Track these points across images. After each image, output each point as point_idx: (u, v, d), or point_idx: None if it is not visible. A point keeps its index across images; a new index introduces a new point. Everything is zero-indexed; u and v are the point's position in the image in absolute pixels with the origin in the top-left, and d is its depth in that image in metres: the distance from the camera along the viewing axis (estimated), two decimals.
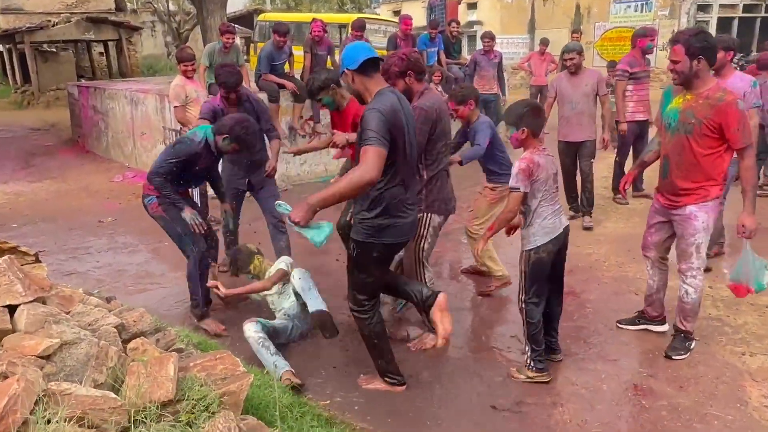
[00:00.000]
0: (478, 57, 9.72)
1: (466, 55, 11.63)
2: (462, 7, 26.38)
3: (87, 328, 2.17)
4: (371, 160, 2.75)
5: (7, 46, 22.26)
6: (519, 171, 3.24)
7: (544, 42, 12.16)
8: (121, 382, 1.98)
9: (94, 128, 11.13)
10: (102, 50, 23.52)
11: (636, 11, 21.15)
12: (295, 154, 5.11)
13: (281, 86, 7.85)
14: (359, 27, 8.67)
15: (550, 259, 3.38)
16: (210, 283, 4.12)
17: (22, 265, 2.70)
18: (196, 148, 3.94)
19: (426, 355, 3.81)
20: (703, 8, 20.84)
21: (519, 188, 3.24)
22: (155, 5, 27.55)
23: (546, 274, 3.43)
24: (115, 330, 2.22)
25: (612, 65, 10.20)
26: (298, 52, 9.01)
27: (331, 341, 3.82)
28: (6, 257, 2.18)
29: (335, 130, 4.35)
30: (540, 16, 24.42)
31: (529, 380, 3.43)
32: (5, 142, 12.77)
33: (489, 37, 9.64)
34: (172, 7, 26.96)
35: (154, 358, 2.10)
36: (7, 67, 23.49)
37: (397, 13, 29.83)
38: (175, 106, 6.28)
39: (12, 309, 2.10)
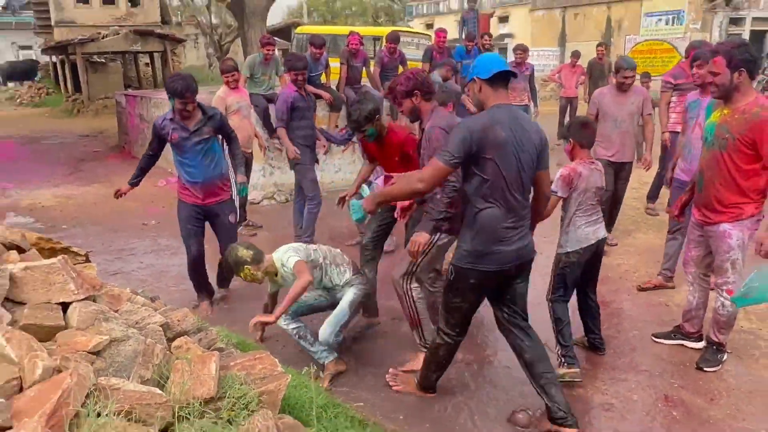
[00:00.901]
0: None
1: None
2: (494, 20, 26.30)
3: (134, 326, 2.20)
4: (428, 173, 2.80)
5: (60, 57, 22.96)
6: (560, 177, 3.43)
7: (576, 55, 12.02)
8: (165, 379, 2.00)
9: (139, 135, 11.37)
10: (148, 61, 24.09)
11: (667, 24, 20.79)
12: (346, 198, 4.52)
13: (318, 96, 7.90)
14: (394, 39, 8.71)
15: (580, 265, 3.49)
16: (254, 321, 3.57)
17: (74, 264, 2.77)
18: (157, 122, 4.44)
19: (455, 362, 3.78)
20: (736, 22, 20.38)
21: (557, 192, 3.42)
22: (198, 18, 28.14)
23: (574, 278, 3.53)
24: (160, 328, 2.25)
25: (646, 76, 10.01)
26: (334, 63, 9.08)
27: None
28: (60, 257, 2.23)
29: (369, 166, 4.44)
30: (570, 29, 24.19)
31: (561, 380, 3.32)
32: (57, 148, 13.15)
33: (522, 49, 9.56)
34: (214, 21, 27.47)
35: (196, 356, 2.13)
36: (60, 77, 24.21)
37: (429, 26, 29.90)
38: None
39: (65, 306, 2.15)
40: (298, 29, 19.86)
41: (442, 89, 5.53)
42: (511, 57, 10.52)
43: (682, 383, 3.51)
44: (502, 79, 2.85)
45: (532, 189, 2.98)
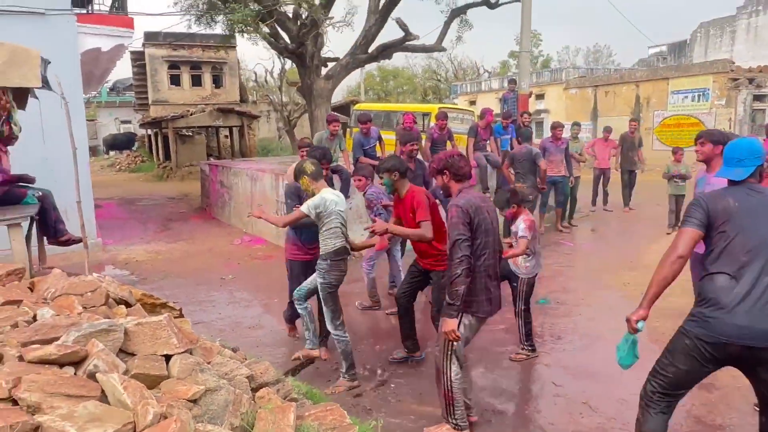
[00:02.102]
0: (547, 144, 9.67)
1: (535, 141, 11.66)
2: (531, 97, 26.56)
3: (224, 377, 2.30)
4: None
5: (154, 130, 24.44)
6: (526, 227, 4.40)
7: (608, 129, 12.01)
8: (251, 427, 2.08)
9: (219, 199, 11.88)
10: (227, 133, 25.31)
11: (693, 101, 20.53)
12: (354, 250, 4.66)
13: (374, 167, 8.14)
14: (443, 116, 8.93)
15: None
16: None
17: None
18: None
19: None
20: (760, 98, 19.95)
21: (527, 237, 4.36)
22: (271, 97, 29.52)
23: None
24: (246, 380, 2.35)
25: (677, 150, 9.85)
26: (388, 135, 9.36)
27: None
28: (166, 315, 2.37)
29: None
30: (602, 105, 24.17)
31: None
32: (149, 209, 13.84)
33: (559, 127, 9.62)
34: (284, 99, 28.74)
35: (277, 406, 2.20)
36: (153, 147, 25.68)
37: (473, 102, 30.42)
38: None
39: (167, 357, 2.27)
40: (356, 106, 20.59)
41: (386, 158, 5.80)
42: (547, 131, 10.60)
43: None
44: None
45: None
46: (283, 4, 11.28)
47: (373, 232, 4.17)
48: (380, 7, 12.34)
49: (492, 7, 13.53)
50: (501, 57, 58.05)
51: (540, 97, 27.69)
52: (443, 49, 14.33)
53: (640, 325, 2.75)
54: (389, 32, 13.02)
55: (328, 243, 4.10)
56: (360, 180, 5.43)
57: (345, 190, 7.40)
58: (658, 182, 9.97)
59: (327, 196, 4.08)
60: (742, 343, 2.43)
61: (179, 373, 2.20)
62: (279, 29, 12.17)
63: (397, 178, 4.27)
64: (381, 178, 4.43)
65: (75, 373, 2.02)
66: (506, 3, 13.62)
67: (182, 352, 2.29)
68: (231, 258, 8.48)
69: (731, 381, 3.93)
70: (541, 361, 4.62)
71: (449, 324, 3.10)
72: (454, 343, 3.20)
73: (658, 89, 21.79)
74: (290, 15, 12.07)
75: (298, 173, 4.19)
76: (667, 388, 2.70)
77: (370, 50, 12.78)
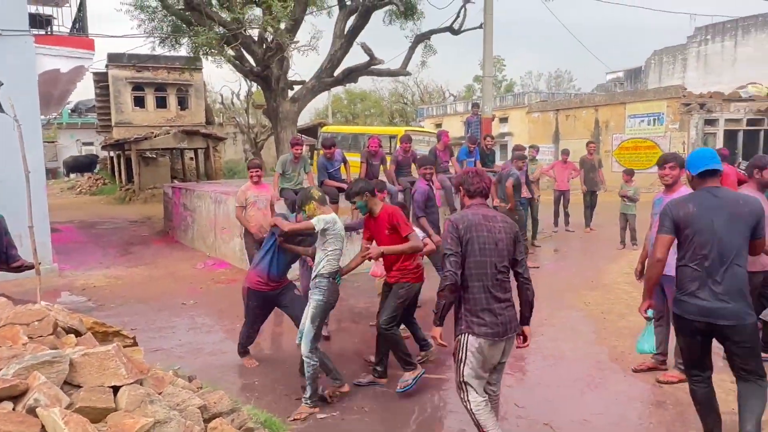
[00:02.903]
0: (511, 168, 9.86)
1: (499, 163, 11.89)
2: (495, 121, 27.11)
3: (175, 408, 2.23)
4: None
5: (117, 152, 23.95)
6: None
7: (566, 152, 12.38)
8: None
9: (182, 222, 11.66)
10: (192, 156, 24.98)
11: (649, 125, 21.30)
12: (342, 274, 4.63)
13: (340, 189, 8.15)
14: (407, 140, 9.03)
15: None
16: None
17: (123, 347, 2.82)
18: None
19: None
20: (710, 122, 20.83)
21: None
22: (237, 119, 29.36)
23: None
24: (198, 411, 2.27)
25: (629, 172, 10.24)
26: (353, 158, 9.41)
27: None
28: (115, 345, 2.29)
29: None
30: (563, 128, 24.83)
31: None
32: (110, 232, 13.48)
33: (521, 158, 9.85)
34: (251, 121, 28.62)
35: None
36: (116, 169, 25.13)
37: (439, 125, 30.85)
38: (236, 206, 6.89)
39: (116, 389, 2.19)
40: (324, 128, 20.64)
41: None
42: (511, 154, 10.80)
43: None
44: (710, 174, 3.21)
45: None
46: (248, 27, 11.29)
47: (369, 258, 4.37)
48: (345, 32, 12.48)
49: (455, 33, 13.84)
50: (466, 81, 59.16)
51: (504, 120, 28.31)
52: (408, 74, 14.54)
53: (649, 312, 3.49)
54: (355, 56, 13.17)
55: (331, 263, 4.16)
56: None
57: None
58: (619, 203, 10.26)
59: (337, 218, 4.24)
60: (704, 320, 3.12)
61: (128, 405, 2.12)
62: (244, 52, 12.16)
63: (369, 198, 4.37)
64: (353, 203, 4.50)
65: (14, 408, 1.92)
66: (469, 29, 13.94)
67: (131, 383, 2.22)
68: (193, 282, 8.30)
69: (686, 398, 3.99)
70: (504, 383, 4.63)
71: (434, 331, 3.17)
72: (464, 372, 3.07)
73: (615, 113, 22.54)
74: (255, 38, 12.09)
75: (306, 199, 4.30)
76: (689, 363, 3.38)
77: (335, 74, 12.87)
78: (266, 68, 11.79)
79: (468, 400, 3.10)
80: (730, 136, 21.04)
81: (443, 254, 3.06)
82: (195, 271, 9.08)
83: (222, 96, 32.27)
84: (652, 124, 21.17)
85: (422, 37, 13.72)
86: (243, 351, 5.08)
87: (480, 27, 13.26)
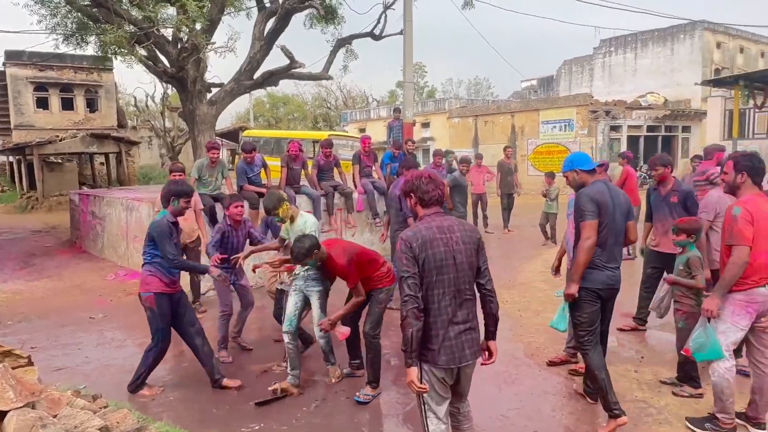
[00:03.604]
0: (430, 170, 10.07)
1: (421, 167, 12.09)
2: (417, 126, 27.60)
3: (73, 430, 2.07)
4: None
5: (18, 157, 22.18)
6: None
7: (479, 156, 12.88)
8: None
9: (91, 231, 10.97)
10: (103, 160, 23.61)
11: (561, 131, 22.46)
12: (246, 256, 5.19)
13: (261, 194, 7.97)
14: (328, 145, 8.99)
15: None
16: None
17: (15, 368, 2.59)
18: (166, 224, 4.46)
19: None
20: (615, 128, 22.28)
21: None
22: (152, 122, 28.08)
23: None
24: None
25: (550, 175, 10.73)
26: (276, 162, 9.27)
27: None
28: (1, 365, 2.09)
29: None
30: (482, 133, 25.68)
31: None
32: (8, 243, 12.44)
33: (440, 155, 10.09)
34: (167, 125, 27.46)
35: None
36: (16, 175, 23.28)
37: (362, 130, 31.00)
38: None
39: (3, 414, 2.00)
40: (245, 132, 20.21)
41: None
42: (431, 158, 11.03)
43: None
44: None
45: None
46: (162, 27, 10.80)
47: (325, 332, 4.45)
48: (265, 35, 12.24)
49: (376, 38, 13.94)
50: (390, 86, 59.99)
51: (426, 125, 28.89)
52: (330, 78, 14.47)
53: (558, 293, 4.01)
54: (276, 59, 12.94)
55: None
56: (237, 207, 5.36)
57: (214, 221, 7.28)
58: (535, 205, 10.75)
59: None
60: (612, 287, 3.84)
61: (16, 430, 1.94)
62: (157, 52, 11.61)
63: (318, 253, 4.24)
64: (305, 265, 4.34)
65: None
66: (390, 35, 14.09)
67: (21, 407, 2.03)
68: (103, 294, 7.81)
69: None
70: None
71: (408, 374, 2.73)
72: (427, 401, 2.80)
73: (530, 119, 23.60)
74: (169, 38, 11.59)
75: (278, 201, 4.51)
76: (591, 332, 3.82)
77: (255, 76, 12.57)
78: (181, 69, 11.32)
79: (427, 426, 2.83)
80: (632, 141, 22.62)
81: (400, 277, 2.73)
82: (105, 282, 8.56)
83: (135, 98, 30.81)
84: (564, 130, 22.35)
85: (343, 42, 13.71)
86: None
87: (400, 33, 13.44)
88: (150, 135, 28.47)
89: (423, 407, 2.83)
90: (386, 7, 13.80)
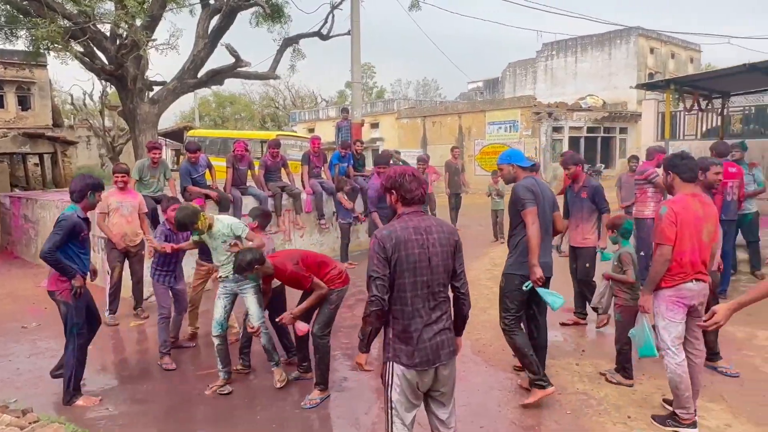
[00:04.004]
0: (412, 168, 10.12)
1: (369, 168, 12.11)
2: (366, 126, 27.62)
3: None
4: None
5: None
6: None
7: (425, 157, 13.00)
8: None
9: (23, 236, 10.40)
10: (37, 161, 22.43)
11: (506, 131, 23.00)
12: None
13: (207, 196, 7.78)
14: (275, 145, 8.87)
15: None
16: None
17: None
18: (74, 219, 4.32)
19: None
20: (557, 129, 23.00)
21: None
22: (91, 121, 26.91)
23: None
24: None
25: (496, 174, 10.94)
26: (221, 163, 9.07)
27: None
28: None
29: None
30: (430, 134, 25.98)
31: None
32: None
33: (389, 154, 10.14)
34: (107, 124, 26.39)
35: None
36: None
37: (311, 130, 30.77)
38: (98, 213, 6.32)
39: None
40: (190, 132, 19.66)
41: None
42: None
43: None
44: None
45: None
46: (99, 22, 10.36)
47: (285, 325, 4.48)
48: (209, 32, 11.96)
49: (324, 38, 13.86)
50: (339, 87, 59.81)
51: (375, 126, 28.96)
52: (277, 77, 14.29)
53: (527, 285, 4.11)
54: (221, 57, 12.67)
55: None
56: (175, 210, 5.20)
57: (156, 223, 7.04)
58: (482, 204, 10.96)
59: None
60: (546, 275, 4.12)
61: None
62: (95, 48, 11.14)
63: (260, 268, 4.20)
64: (245, 277, 4.35)
65: None
66: (338, 35, 14.04)
67: None
68: (36, 302, 7.40)
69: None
70: (374, 384, 4.69)
71: (358, 357, 2.87)
72: (392, 398, 2.72)
73: (477, 120, 24.05)
74: (107, 34, 11.13)
75: (194, 215, 4.37)
76: (515, 313, 4.18)
77: (199, 75, 12.27)
78: (120, 67, 10.91)
79: (392, 429, 2.74)
80: (573, 141, 23.41)
81: (368, 276, 2.67)
82: (38, 289, 8.09)
83: (72, 96, 29.43)
84: (509, 131, 22.90)
85: (290, 41, 13.57)
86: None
87: (348, 34, 13.42)
88: (89, 135, 27.31)
89: (390, 412, 2.73)
90: (333, 7, 13.77)
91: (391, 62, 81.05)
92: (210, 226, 4.48)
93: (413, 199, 2.78)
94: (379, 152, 11.03)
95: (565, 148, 21.70)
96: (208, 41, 11.91)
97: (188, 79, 12.02)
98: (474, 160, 23.23)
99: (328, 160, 10.05)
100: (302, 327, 4.34)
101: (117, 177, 6.47)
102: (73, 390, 4.37)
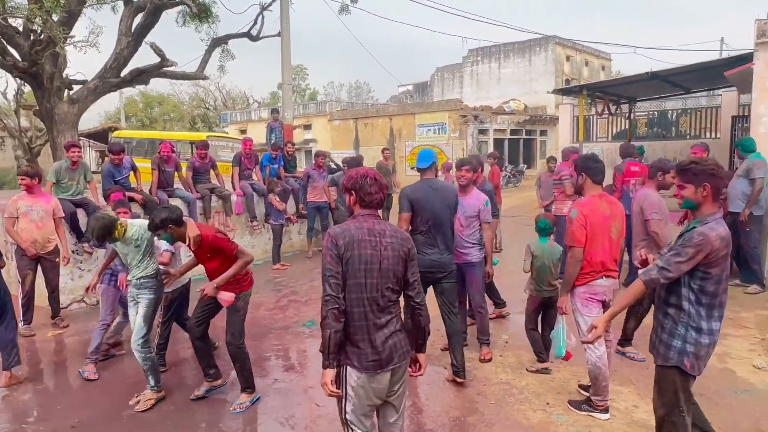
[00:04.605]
0: (311, 171, 9.95)
1: (301, 169, 11.95)
2: (299, 128, 27.30)
3: None
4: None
5: None
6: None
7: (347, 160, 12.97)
8: None
9: None
10: None
11: (435, 133, 23.42)
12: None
13: (131, 198, 7.38)
14: (203, 146, 8.59)
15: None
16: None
17: None
18: None
19: None
20: (483, 132, 23.67)
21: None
22: (5, 122, 25.00)
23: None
24: None
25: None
26: (146, 164, 8.66)
27: None
28: None
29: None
30: (362, 135, 26.03)
31: None
32: None
33: (322, 155, 9.98)
34: (24, 123, 24.60)
35: None
36: None
37: (243, 131, 30.04)
38: (6, 218, 5.94)
39: None
40: (115, 133, 18.69)
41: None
42: (313, 160, 10.93)
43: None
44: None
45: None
46: (10, 16, 9.61)
47: (206, 297, 4.09)
48: (133, 30, 11.38)
49: (253, 39, 13.55)
50: (271, 88, 58.73)
51: (307, 127, 28.68)
52: (205, 77, 13.83)
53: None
54: (147, 56, 12.10)
55: (154, 263, 4.33)
56: (126, 213, 4.96)
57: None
58: None
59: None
60: (434, 269, 4.31)
61: None
62: (5, 44, 10.33)
63: (174, 229, 3.98)
64: (158, 236, 4.09)
65: None
66: (267, 36, 13.77)
67: None
68: None
69: (468, 385, 4.41)
70: (306, 384, 4.62)
71: (323, 375, 2.58)
72: (346, 409, 2.61)
73: (407, 123, 24.33)
74: (20, 29, 10.35)
75: (111, 225, 4.09)
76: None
77: (123, 74, 11.65)
78: (35, 64, 10.16)
79: None
80: (498, 143, 24.18)
81: (322, 275, 2.58)
82: None
83: None
84: (438, 133, 23.32)
85: (219, 41, 13.16)
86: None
87: (278, 35, 13.19)
88: (2, 135, 25.33)
89: (346, 418, 2.62)
90: (263, 8, 13.50)
91: (324, 65, 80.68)
92: (125, 231, 4.22)
93: (371, 202, 2.70)
94: (314, 153, 10.85)
95: (491, 149, 22.34)
96: (132, 39, 11.33)
97: (111, 78, 11.39)
98: (405, 161, 23.47)
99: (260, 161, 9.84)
100: (227, 297, 4.03)
101: (20, 180, 6.01)
102: None
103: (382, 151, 12.98)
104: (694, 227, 2.70)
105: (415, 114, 24.28)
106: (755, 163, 6.42)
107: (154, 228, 4.00)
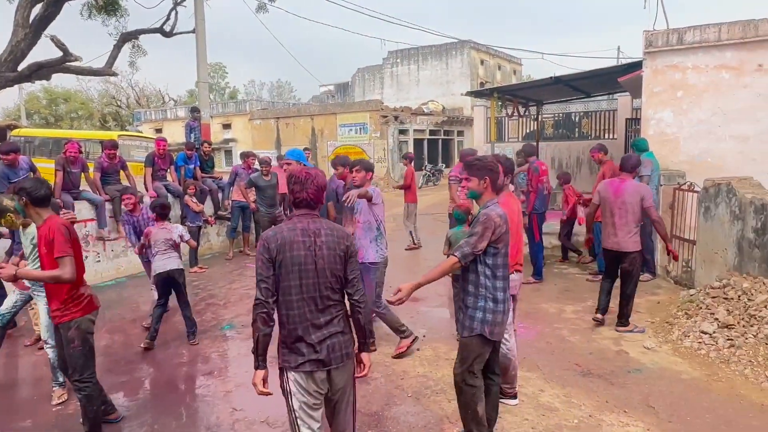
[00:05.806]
0: (239, 170, 9.74)
1: (225, 168, 11.57)
2: (218, 127, 26.43)
3: None
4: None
5: None
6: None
7: (281, 157, 12.81)
8: None
9: None
10: None
11: (356, 133, 23.47)
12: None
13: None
14: (112, 146, 8.10)
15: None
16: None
17: None
18: None
19: None
20: (403, 132, 24.01)
21: None
22: None
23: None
24: None
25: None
26: (49, 164, 8.04)
27: None
28: None
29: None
30: (284, 135, 25.62)
31: None
32: None
33: (251, 156, 9.81)
34: None
35: None
36: None
37: (159, 130, 28.66)
38: None
39: None
40: (15, 131, 17.18)
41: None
42: (236, 160, 10.62)
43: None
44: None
45: None
46: None
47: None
48: (31, 21, 10.49)
49: (167, 35, 12.94)
50: (189, 86, 56.43)
51: (227, 126, 27.83)
52: (114, 74, 13.01)
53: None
54: (48, 50, 11.18)
55: None
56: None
57: None
58: None
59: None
60: None
61: None
62: None
63: (27, 204, 3.41)
64: (12, 200, 3.68)
65: None
66: (182, 33, 13.20)
67: None
68: None
69: (398, 368, 4.45)
70: (224, 389, 4.48)
71: (254, 376, 2.58)
72: (294, 406, 2.56)
73: (329, 123, 24.22)
74: None
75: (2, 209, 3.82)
76: None
77: (20, 68, 10.72)
78: None
79: None
80: (417, 143, 24.63)
81: (256, 279, 2.52)
82: None
83: None
84: (359, 133, 23.40)
85: (129, 36, 12.44)
86: None
87: (193, 32, 12.68)
88: None
89: (295, 421, 2.58)
90: (176, 4, 12.93)
91: (245, 63, 78.54)
92: (25, 226, 3.93)
93: (298, 201, 2.64)
94: (234, 153, 10.51)
95: (411, 149, 22.73)
96: (30, 31, 10.44)
97: (6, 73, 10.44)
98: (327, 161, 23.36)
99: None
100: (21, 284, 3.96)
101: None
102: None
103: (304, 151, 12.85)
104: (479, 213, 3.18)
105: (336, 114, 24.22)
106: (643, 162, 6.95)
107: (13, 190, 3.65)
